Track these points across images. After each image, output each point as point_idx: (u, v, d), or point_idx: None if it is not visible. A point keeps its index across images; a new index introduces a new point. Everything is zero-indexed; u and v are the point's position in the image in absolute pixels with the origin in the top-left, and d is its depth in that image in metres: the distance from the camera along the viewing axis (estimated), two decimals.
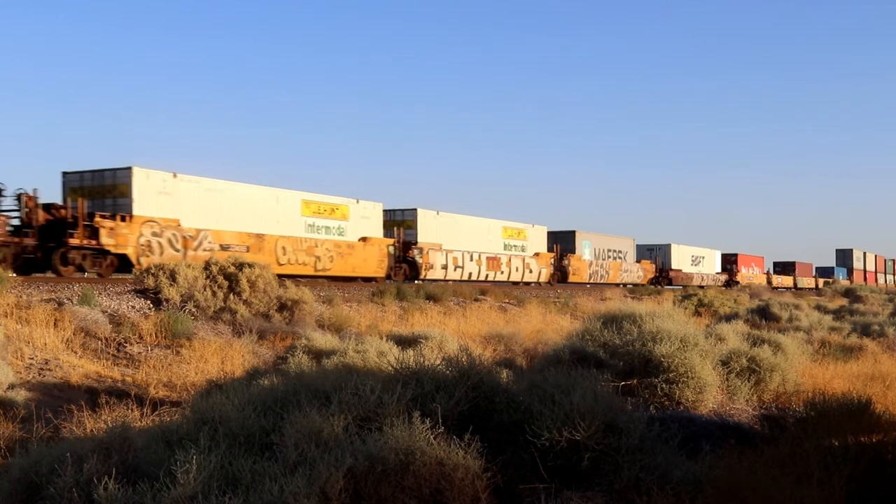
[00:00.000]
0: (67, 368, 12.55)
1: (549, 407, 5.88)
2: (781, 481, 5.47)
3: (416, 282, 35.26)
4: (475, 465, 5.20)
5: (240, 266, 18.37)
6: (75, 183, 26.87)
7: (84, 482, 5.12)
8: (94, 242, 24.43)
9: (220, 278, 17.90)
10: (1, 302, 14.73)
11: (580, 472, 5.71)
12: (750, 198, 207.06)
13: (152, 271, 17.80)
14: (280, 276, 20.68)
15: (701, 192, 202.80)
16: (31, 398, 10.47)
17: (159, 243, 26.21)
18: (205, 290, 17.54)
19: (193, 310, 17.04)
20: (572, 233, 51.86)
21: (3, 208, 23.66)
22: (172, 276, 17.48)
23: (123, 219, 25.31)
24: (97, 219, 24.65)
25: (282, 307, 18.32)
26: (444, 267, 38.78)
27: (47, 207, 24.35)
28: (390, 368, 6.79)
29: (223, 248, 28.02)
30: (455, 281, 38.17)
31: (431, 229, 38.75)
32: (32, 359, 12.64)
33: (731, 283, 72.09)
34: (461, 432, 5.38)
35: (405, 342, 10.49)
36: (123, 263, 25.27)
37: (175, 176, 27.58)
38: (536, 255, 47.01)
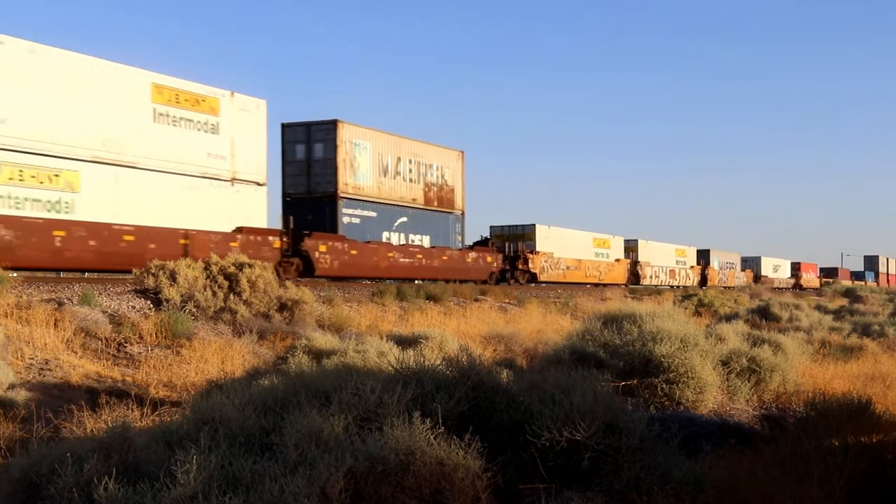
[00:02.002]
0: (67, 368, 12.55)
1: (549, 407, 5.88)
2: (781, 481, 5.48)
3: (532, 284, 44.02)
4: (475, 465, 5.20)
5: (240, 266, 18.38)
6: (498, 231, 46.52)
7: (84, 482, 5.12)
8: (525, 266, 44.29)
9: (221, 278, 17.91)
10: (1, 302, 14.73)
11: (580, 472, 5.71)
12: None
13: (152, 271, 17.81)
14: None
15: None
16: (31, 398, 10.47)
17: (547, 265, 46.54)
18: (205, 290, 17.54)
19: (193, 310, 17.05)
20: (636, 241, 61.23)
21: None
22: (172, 276, 17.49)
23: (534, 252, 45.29)
24: (527, 254, 44.55)
25: (282, 307, 18.32)
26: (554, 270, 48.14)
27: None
28: (390, 368, 6.79)
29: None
30: (560, 283, 46.66)
31: (545, 240, 47.63)
32: (32, 359, 12.65)
33: (797, 286, 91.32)
34: (461, 432, 5.39)
35: (405, 342, 10.49)
36: (533, 278, 44.88)
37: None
38: (617, 261, 56.18)
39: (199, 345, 14.45)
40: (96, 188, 21.15)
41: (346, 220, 31.40)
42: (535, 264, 44.94)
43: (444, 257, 36.08)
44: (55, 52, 20.81)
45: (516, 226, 46.71)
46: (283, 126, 31.59)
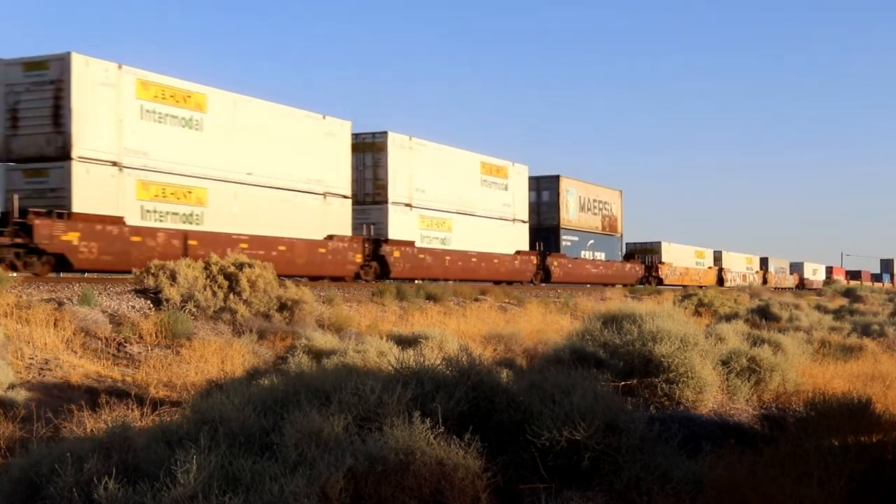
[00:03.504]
0: (67, 368, 12.55)
1: (549, 407, 5.88)
2: (781, 481, 5.47)
3: (660, 286, 53.61)
4: (475, 465, 5.21)
5: (240, 266, 18.38)
6: (632, 248, 60.25)
7: (84, 482, 5.12)
8: (656, 272, 57.03)
9: (220, 278, 17.91)
10: (1, 302, 14.73)
11: (580, 472, 5.71)
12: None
13: (152, 271, 17.81)
14: None
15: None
16: (31, 398, 10.47)
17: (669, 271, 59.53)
18: (205, 289, 17.54)
19: (193, 310, 17.05)
20: (721, 252, 74.90)
21: None
22: (172, 276, 17.49)
23: (661, 263, 58.14)
24: (658, 264, 57.70)
25: (282, 307, 18.32)
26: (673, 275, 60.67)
27: None
28: (390, 368, 6.79)
29: None
30: (675, 285, 56.34)
31: (667, 254, 60.81)
32: (32, 359, 12.65)
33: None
34: (461, 432, 5.39)
35: (405, 342, 10.49)
36: (660, 281, 55.92)
37: None
38: (709, 268, 69.66)
39: (198, 344, 14.45)
40: (218, 204, 25.09)
41: (564, 243, 45.26)
42: (662, 272, 58.82)
43: (614, 268, 51.52)
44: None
45: (647, 242, 61.68)
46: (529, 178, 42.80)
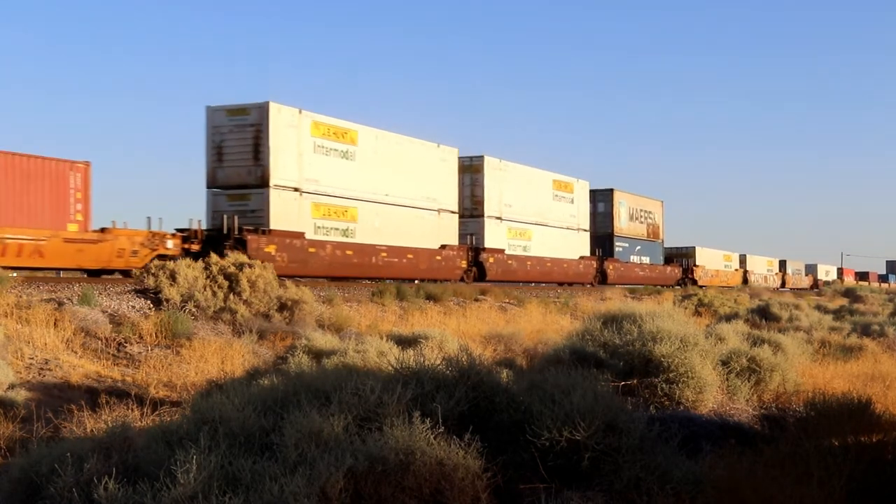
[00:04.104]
0: (67, 368, 12.55)
1: (549, 407, 5.88)
2: (781, 481, 5.48)
3: (694, 286, 55.32)
4: (475, 465, 5.20)
5: (240, 266, 18.37)
6: (668, 252, 63.12)
7: (84, 482, 5.12)
8: (691, 274, 62.60)
9: (220, 278, 17.90)
10: (1, 302, 14.73)
11: (580, 472, 5.71)
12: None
13: (152, 271, 17.80)
14: None
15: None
16: (31, 398, 10.48)
17: (703, 273, 64.68)
18: (205, 290, 17.53)
19: (193, 310, 17.05)
20: (745, 255, 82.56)
21: None
22: (172, 276, 17.48)
23: (696, 266, 64.44)
24: (693, 267, 63.41)
25: (282, 307, 18.32)
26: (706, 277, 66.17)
27: None
28: (390, 368, 6.79)
29: None
30: (708, 286, 57.48)
31: (701, 257, 67.23)
32: (32, 359, 12.65)
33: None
34: (461, 432, 5.38)
35: (405, 342, 10.48)
36: (694, 282, 60.22)
37: None
38: (736, 270, 76.25)
39: (198, 344, 14.45)
40: (365, 221, 30.67)
41: (617, 249, 51.32)
42: (697, 274, 64.43)
43: (657, 270, 57.57)
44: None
45: (682, 247, 67.09)
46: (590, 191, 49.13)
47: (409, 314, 21.76)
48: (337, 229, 29.39)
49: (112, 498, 4.86)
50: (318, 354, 10.15)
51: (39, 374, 12.10)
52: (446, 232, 35.07)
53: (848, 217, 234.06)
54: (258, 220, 26.62)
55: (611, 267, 49.16)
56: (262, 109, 26.85)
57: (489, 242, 37.95)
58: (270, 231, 26.54)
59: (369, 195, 30.84)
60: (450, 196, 35.45)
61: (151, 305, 17.09)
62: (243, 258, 19.45)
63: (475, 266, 36.69)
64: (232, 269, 18.21)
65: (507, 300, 29.30)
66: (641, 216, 56.15)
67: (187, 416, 6.05)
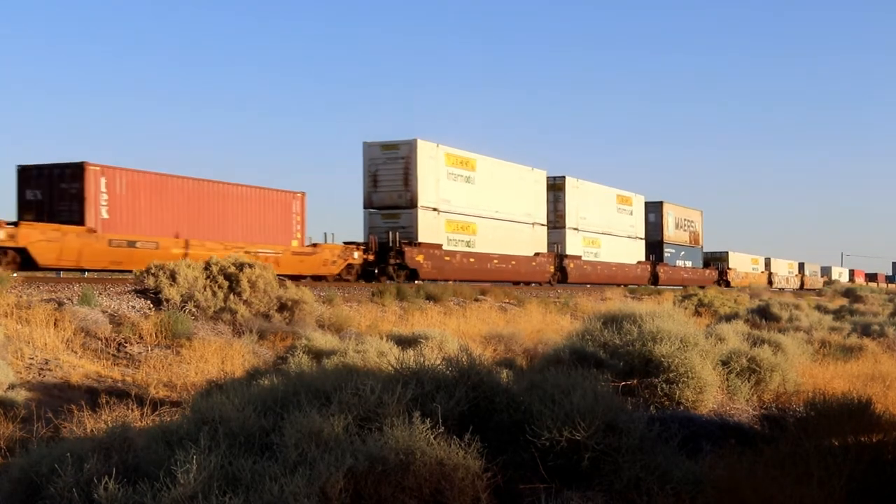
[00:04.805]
0: (67, 368, 12.55)
1: (549, 407, 5.87)
2: (781, 481, 5.47)
3: (726, 286, 61.45)
4: (475, 465, 5.20)
5: (240, 266, 18.36)
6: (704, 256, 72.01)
7: (84, 482, 5.12)
8: (726, 276, 71.43)
9: (221, 278, 17.89)
10: (1, 302, 14.73)
11: (580, 472, 5.71)
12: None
13: (152, 271, 17.79)
14: None
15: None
16: (31, 398, 10.47)
17: (735, 275, 73.40)
18: (205, 290, 17.53)
19: (193, 310, 17.04)
20: (769, 259, 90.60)
21: None
22: (172, 276, 17.47)
23: (729, 268, 72.87)
24: (727, 269, 71.93)
25: (282, 307, 18.31)
26: (737, 279, 72.97)
27: None
28: (390, 368, 6.79)
29: None
30: (740, 287, 61.04)
31: (733, 260, 75.55)
32: (32, 359, 12.64)
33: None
34: (461, 432, 5.38)
35: (405, 342, 10.48)
36: (727, 284, 65.09)
37: None
38: (762, 272, 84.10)
39: (198, 345, 14.45)
40: (482, 234, 38.96)
41: (666, 254, 59.56)
42: (730, 276, 71.98)
43: (698, 273, 65.56)
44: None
45: (717, 252, 74.13)
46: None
47: (409, 314, 21.75)
48: (462, 241, 37.37)
49: (112, 498, 4.86)
50: (318, 354, 10.15)
51: (39, 374, 12.10)
52: (538, 241, 43.25)
53: (848, 217, 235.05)
54: (408, 235, 34.01)
55: (662, 270, 57.39)
56: (411, 145, 34.33)
57: (569, 250, 46.27)
58: (419, 244, 34.20)
59: (484, 212, 38.79)
60: (540, 211, 43.62)
61: (151, 305, 17.09)
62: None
63: (559, 270, 44.77)
64: (232, 269, 18.20)
65: (507, 300, 29.30)
66: (685, 225, 64.21)
67: (187, 416, 6.05)
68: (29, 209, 24.36)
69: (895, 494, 5.95)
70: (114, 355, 14.13)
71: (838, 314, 26.62)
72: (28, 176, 24.67)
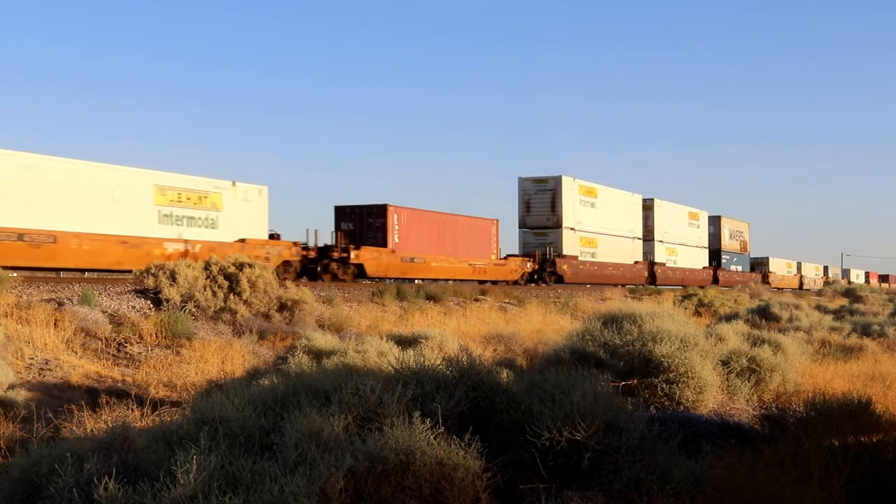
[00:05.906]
0: (67, 368, 12.55)
1: (549, 407, 5.87)
2: (781, 481, 5.47)
3: (765, 286, 68.60)
4: (475, 465, 5.20)
5: (240, 266, 18.37)
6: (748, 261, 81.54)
7: (84, 482, 5.12)
8: (767, 279, 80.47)
9: (221, 278, 17.90)
10: (1, 302, 14.73)
11: (580, 472, 5.71)
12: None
13: (152, 271, 17.79)
14: None
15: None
16: (31, 398, 10.48)
17: (774, 279, 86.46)
18: (205, 290, 17.53)
19: (193, 310, 17.05)
20: (801, 263, 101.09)
21: None
22: (172, 276, 17.48)
23: (770, 272, 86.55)
24: (768, 273, 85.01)
25: (282, 307, 18.31)
26: (777, 281, 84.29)
27: None
28: (390, 368, 6.79)
29: None
30: (779, 289, 74.93)
31: (772, 265, 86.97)
32: (32, 359, 12.65)
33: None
34: (461, 432, 5.38)
35: (405, 342, 10.48)
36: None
37: None
38: (794, 274, 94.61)
39: (199, 345, 14.45)
40: (601, 246, 51.24)
41: (723, 260, 70.81)
42: (771, 278, 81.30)
43: (747, 276, 73.78)
44: None
45: (760, 257, 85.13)
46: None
47: (410, 314, 21.76)
48: (588, 252, 49.17)
49: (112, 498, 4.86)
50: (318, 354, 10.15)
51: (39, 374, 12.10)
52: (637, 251, 55.13)
53: (849, 218, 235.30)
54: (556, 249, 46.24)
55: (720, 274, 68.86)
56: (557, 180, 46.81)
57: (656, 258, 58.14)
58: (564, 255, 46.45)
59: (603, 230, 50.33)
60: (638, 227, 55.29)
61: (151, 305, 17.09)
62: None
63: (650, 275, 56.23)
64: (232, 269, 18.20)
65: (507, 300, 29.29)
66: (736, 235, 74.83)
67: (187, 416, 6.05)
68: (343, 236, 34.73)
69: (895, 494, 5.95)
70: (114, 355, 14.13)
71: (838, 314, 26.61)
72: (343, 212, 36.26)
